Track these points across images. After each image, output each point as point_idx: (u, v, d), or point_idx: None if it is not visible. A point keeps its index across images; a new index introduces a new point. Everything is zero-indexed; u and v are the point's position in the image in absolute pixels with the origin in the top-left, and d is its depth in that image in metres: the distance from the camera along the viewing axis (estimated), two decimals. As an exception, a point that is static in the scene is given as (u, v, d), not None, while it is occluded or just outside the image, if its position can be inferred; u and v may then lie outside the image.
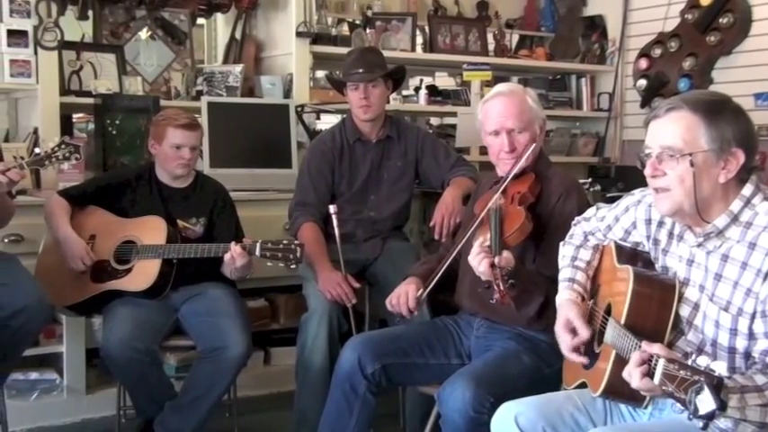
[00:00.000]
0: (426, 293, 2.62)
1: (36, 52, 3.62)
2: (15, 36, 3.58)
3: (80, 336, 3.51)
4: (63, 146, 2.88)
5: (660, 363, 1.51)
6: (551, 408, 2.00)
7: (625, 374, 1.65)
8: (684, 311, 1.86)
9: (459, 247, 2.57)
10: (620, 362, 1.76)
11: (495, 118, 2.53)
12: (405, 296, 2.63)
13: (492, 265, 2.17)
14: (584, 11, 5.42)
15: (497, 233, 2.29)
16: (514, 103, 2.52)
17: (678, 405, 1.47)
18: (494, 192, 2.48)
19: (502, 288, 2.14)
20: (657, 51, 4.93)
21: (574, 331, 2.00)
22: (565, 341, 2.02)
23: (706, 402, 1.40)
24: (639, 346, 1.66)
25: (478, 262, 2.20)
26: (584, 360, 1.98)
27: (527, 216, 2.36)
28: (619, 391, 1.82)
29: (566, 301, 2.07)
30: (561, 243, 2.26)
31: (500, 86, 2.61)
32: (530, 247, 2.48)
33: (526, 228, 2.35)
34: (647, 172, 1.84)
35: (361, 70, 3.27)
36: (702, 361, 1.45)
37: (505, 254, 2.21)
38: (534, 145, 2.50)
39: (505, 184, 2.46)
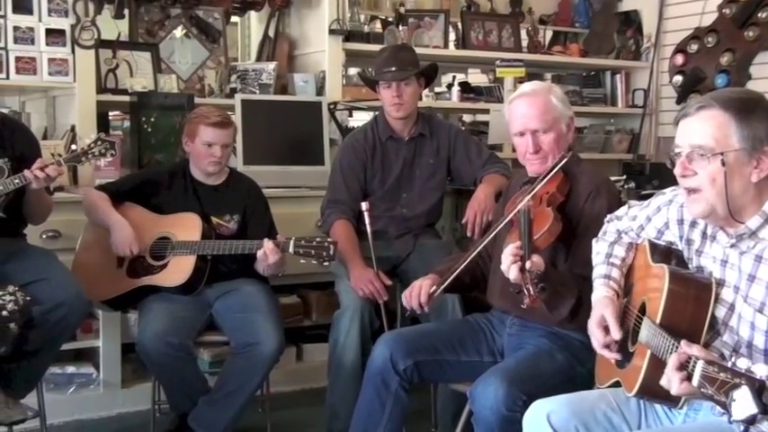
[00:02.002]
0: (440, 291, 2.58)
1: (73, 51, 3.67)
2: (53, 35, 3.64)
3: (116, 330, 3.56)
4: (99, 142, 2.92)
5: (699, 365, 1.48)
6: (584, 406, 1.98)
7: (664, 381, 1.63)
8: (720, 312, 1.83)
9: (483, 247, 2.55)
10: (656, 361, 1.74)
11: (519, 119, 2.52)
12: (417, 290, 2.60)
13: (522, 270, 2.16)
14: (619, 6, 5.36)
15: (527, 236, 2.27)
16: (538, 104, 2.50)
17: (718, 408, 1.45)
18: (523, 194, 2.46)
19: (532, 293, 2.13)
20: (694, 47, 4.86)
21: (607, 329, 1.98)
22: (597, 338, 2.00)
23: (747, 406, 1.37)
24: (677, 347, 1.63)
25: (508, 266, 2.19)
26: (616, 357, 1.96)
27: (555, 216, 2.33)
28: (654, 391, 1.79)
29: (602, 298, 2.05)
30: (594, 240, 2.24)
31: (524, 86, 2.59)
32: (561, 246, 2.46)
33: (555, 228, 2.32)
34: (677, 172, 1.82)
35: (393, 68, 3.27)
36: (742, 363, 1.43)
37: (535, 258, 2.18)
38: (570, 153, 2.47)
39: (536, 190, 2.43)
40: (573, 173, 2.52)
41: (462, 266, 2.55)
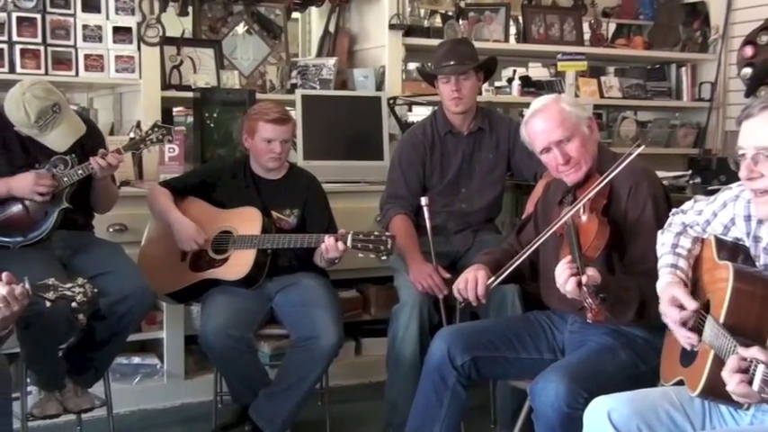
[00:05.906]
0: (496, 284, 2.51)
1: (139, 48, 3.75)
2: (120, 33, 3.72)
3: (179, 322, 3.62)
4: (156, 129, 3.00)
5: (760, 368, 1.45)
6: (646, 404, 1.95)
7: (724, 375, 1.59)
8: (788, 313, 1.78)
9: (535, 248, 2.48)
10: (719, 362, 1.70)
11: (540, 136, 2.48)
12: (474, 281, 2.52)
13: (579, 285, 2.11)
14: (685, -3, 5.25)
15: (577, 249, 2.22)
16: (552, 115, 2.46)
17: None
18: (565, 208, 2.41)
19: (594, 306, 2.09)
20: (764, 38, 4.70)
21: (681, 307, 1.93)
22: (671, 315, 1.94)
23: None
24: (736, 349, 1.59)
25: (564, 284, 2.14)
26: (691, 335, 1.90)
27: (601, 221, 2.28)
28: (718, 392, 1.75)
29: (668, 284, 2.00)
30: (660, 231, 2.19)
31: (533, 103, 2.55)
32: (614, 248, 2.40)
33: (603, 233, 2.27)
34: (743, 174, 1.77)
35: (452, 63, 3.26)
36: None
37: (590, 271, 2.13)
38: (638, 144, 2.41)
39: (574, 209, 2.36)
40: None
41: (517, 262, 2.49)
